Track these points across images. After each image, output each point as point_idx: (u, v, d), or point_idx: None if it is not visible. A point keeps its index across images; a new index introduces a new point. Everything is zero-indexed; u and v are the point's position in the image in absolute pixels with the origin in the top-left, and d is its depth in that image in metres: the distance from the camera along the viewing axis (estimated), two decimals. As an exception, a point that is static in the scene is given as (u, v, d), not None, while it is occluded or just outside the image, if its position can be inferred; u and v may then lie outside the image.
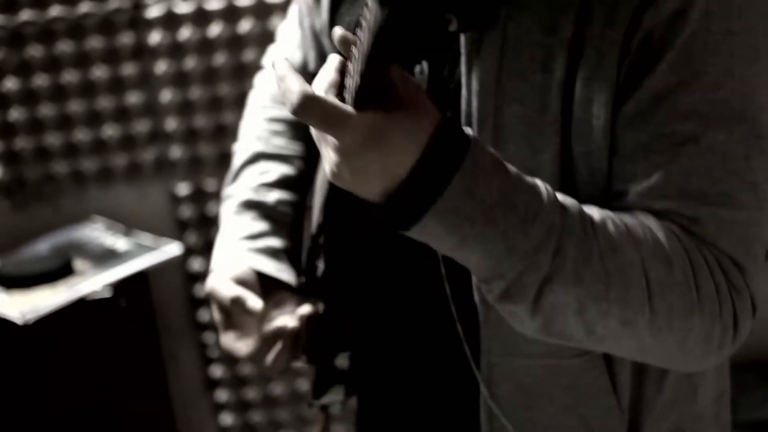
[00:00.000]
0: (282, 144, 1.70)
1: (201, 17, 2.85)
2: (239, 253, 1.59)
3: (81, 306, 2.51)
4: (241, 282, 1.55)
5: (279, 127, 1.72)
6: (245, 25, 2.86)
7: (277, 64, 1.11)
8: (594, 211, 1.19)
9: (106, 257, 2.70)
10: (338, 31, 1.16)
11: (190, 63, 2.88)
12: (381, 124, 1.06)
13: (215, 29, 2.86)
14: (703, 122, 1.20)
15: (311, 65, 1.69)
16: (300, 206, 1.67)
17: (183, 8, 2.84)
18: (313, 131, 1.12)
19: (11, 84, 2.86)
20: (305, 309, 1.54)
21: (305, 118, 1.06)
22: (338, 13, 1.51)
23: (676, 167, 1.21)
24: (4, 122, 2.89)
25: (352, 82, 1.08)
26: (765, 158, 1.23)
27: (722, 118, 1.20)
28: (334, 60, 1.15)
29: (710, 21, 1.19)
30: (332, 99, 1.07)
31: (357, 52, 1.05)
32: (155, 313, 2.75)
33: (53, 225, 2.90)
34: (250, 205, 1.64)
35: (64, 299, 2.49)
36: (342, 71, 1.13)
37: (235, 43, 2.87)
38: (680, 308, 1.19)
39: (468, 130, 1.11)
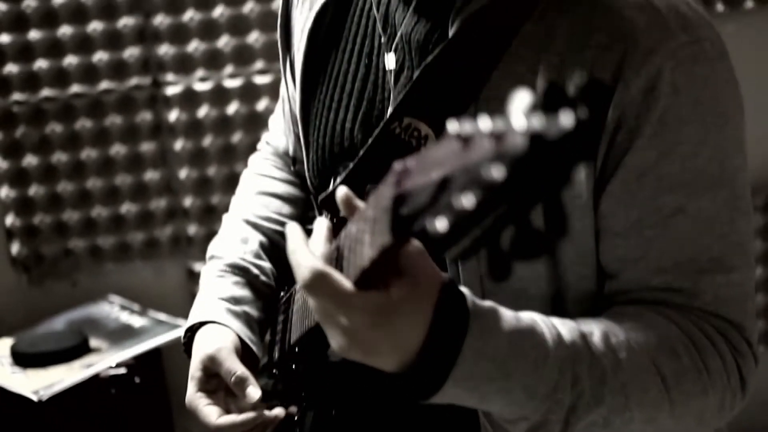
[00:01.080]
0: (269, 216, 1.73)
1: (219, 95, 2.88)
2: (219, 314, 1.60)
3: (95, 382, 2.51)
4: (229, 349, 1.55)
5: (268, 200, 1.75)
6: (262, 104, 2.88)
7: (290, 235, 1.10)
8: (593, 327, 1.21)
9: (121, 334, 2.70)
10: (342, 190, 1.11)
11: (208, 140, 2.90)
12: (388, 303, 1.03)
13: (233, 107, 2.88)
14: (687, 191, 1.24)
15: (291, 150, 1.73)
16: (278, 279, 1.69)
17: (201, 86, 2.87)
18: (316, 305, 1.08)
19: (31, 159, 2.89)
20: (279, 412, 1.53)
21: (315, 295, 1.05)
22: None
23: (668, 239, 1.26)
24: (24, 197, 2.91)
25: (349, 252, 1.05)
26: (745, 217, 1.29)
27: (704, 184, 1.25)
28: (322, 228, 1.14)
29: (679, 94, 1.22)
30: (341, 278, 1.04)
31: (362, 230, 1.02)
32: (169, 391, 2.75)
33: (70, 301, 2.91)
34: (234, 269, 1.66)
35: (79, 377, 2.48)
36: (331, 237, 1.13)
37: (252, 121, 2.90)
38: (695, 391, 1.23)
39: (464, 290, 1.10)
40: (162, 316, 2.76)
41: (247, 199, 1.79)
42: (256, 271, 1.66)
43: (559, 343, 1.15)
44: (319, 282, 1.03)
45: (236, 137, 2.91)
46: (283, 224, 1.74)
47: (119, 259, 2.98)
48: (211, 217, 2.96)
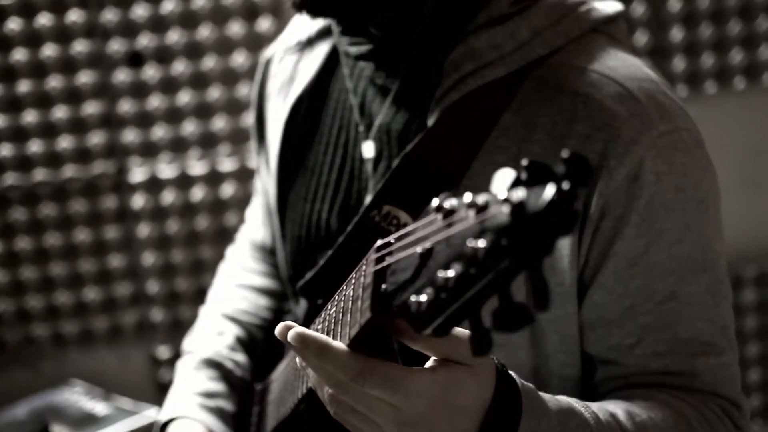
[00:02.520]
0: (245, 308, 1.73)
1: (184, 181, 2.89)
2: (191, 408, 1.59)
3: (57, 470, 2.48)
4: None
5: (245, 293, 1.75)
6: (227, 190, 2.89)
7: (306, 337, 1.04)
8: (614, 407, 1.23)
9: (84, 422, 2.67)
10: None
11: (173, 227, 2.90)
12: (449, 385, 1.02)
13: (198, 193, 2.89)
14: (676, 277, 1.27)
15: (268, 242, 1.73)
16: (251, 372, 1.68)
17: (166, 173, 2.88)
18: (362, 397, 1.03)
19: (-6, 247, 2.88)
20: None
21: (367, 386, 1.01)
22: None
23: (662, 325, 1.28)
24: (-14, 285, 2.90)
25: (328, 333, 1.04)
26: (726, 300, 1.32)
27: (690, 270, 1.28)
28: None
29: (662, 182, 1.25)
30: (388, 365, 1.01)
31: (343, 310, 1.00)
32: (133, 479, 2.71)
33: (32, 388, 2.87)
34: (209, 364, 1.65)
35: (41, 465, 2.45)
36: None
37: (217, 207, 2.90)
38: None
39: (513, 374, 1.10)
40: (126, 404, 2.73)
41: (224, 291, 1.79)
42: (230, 365, 1.66)
43: (597, 421, 1.17)
44: (369, 371, 1.00)
45: (201, 223, 2.91)
46: (260, 317, 1.74)
47: (83, 345, 2.96)
48: (175, 303, 2.95)
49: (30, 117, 2.82)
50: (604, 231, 1.25)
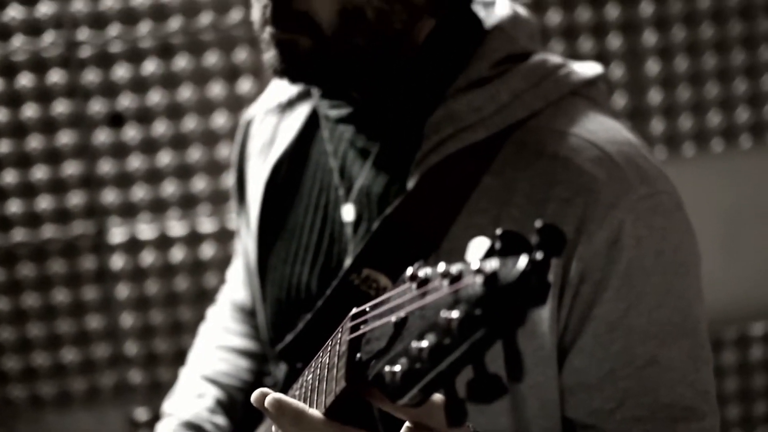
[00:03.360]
0: (226, 370, 1.72)
1: (163, 242, 2.88)
2: None
3: None
4: None
5: (225, 354, 1.75)
6: (207, 250, 2.89)
7: (278, 405, 1.03)
8: None
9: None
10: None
11: (152, 287, 2.89)
12: None
13: (177, 254, 2.89)
14: (657, 342, 1.26)
15: (248, 302, 1.73)
16: None
17: (146, 233, 2.87)
18: None
19: (-29, 308, 2.86)
20: None
21: None
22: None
23: (643, 389, 1.27)
24: (-37, 346, 2.88)
25: (305, 400, 1.04)
26: (707, 365, 1.32)
27: (671, 334, 1.28)
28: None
29: (641, 245, 1.25)
30: None
31: (318, 377, 1.00)
32: None
33: (8, 450, 2.85)
34: (189, 427, 1.64)
35: None
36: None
37: (196, 268, 2.89)
38: None
39: None
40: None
41: (205, 353, 1.78)
42: (210, 427, 1.65)
43: None
44: None
45: (181, 284, 2.90)
46: (240, 379, 1.73)
47: (60, 406, 2.93)
48: (154, 364, 2.93)
49: (9, 177, 2.82)
50: (583, 295, 1.25)
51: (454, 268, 0.81)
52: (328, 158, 1.49)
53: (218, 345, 1.78)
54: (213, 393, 1.69)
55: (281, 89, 1.62)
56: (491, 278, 0.77)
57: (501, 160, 1.31)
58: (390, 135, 1.39)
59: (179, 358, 2.90)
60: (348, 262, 1.39)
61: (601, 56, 2.86)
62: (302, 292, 1.47)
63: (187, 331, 2.90)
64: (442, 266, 0.83)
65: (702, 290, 1.33)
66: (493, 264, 0.77)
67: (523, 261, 0.76)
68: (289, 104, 1.59)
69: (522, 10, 1.44)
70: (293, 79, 1.40)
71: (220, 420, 1.67)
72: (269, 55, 1.37)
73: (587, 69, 1.41)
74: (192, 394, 1.69)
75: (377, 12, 1.33)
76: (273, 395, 1.03)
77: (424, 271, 0.87)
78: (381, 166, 1.40)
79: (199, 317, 2.85)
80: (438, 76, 1.36)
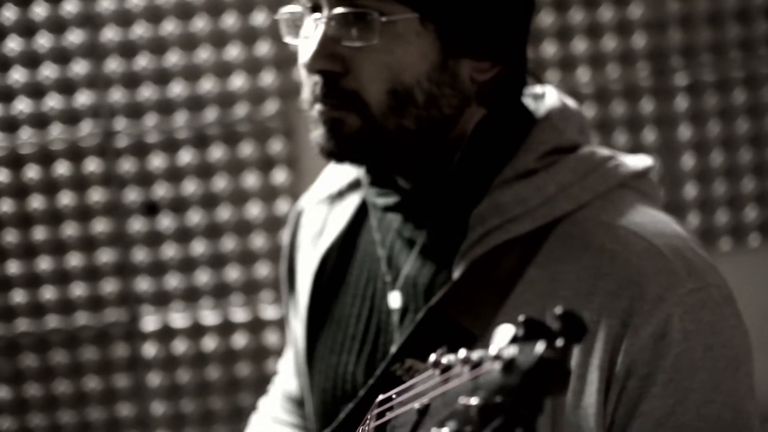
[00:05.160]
0: None
1: (196, 331, 2.88)
2: None
3: None
4: None
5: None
6: (240, 340, 2.88)
7: None
8: None
9: None
10: None
11: (184, 376, 2.88)
12: None
13: (210, 343, 2.88)
14: None
15: (298, 392, 1.72)
16: None
17: (178, 322, 2.87)
18: None
19: (4, 393, 2.86)
20: None
21: None
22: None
23: None
24: (-7, 433, 2.87)
25: None
26: None
27: (719, 431, 1.23)
28: None
29: (689, 340, 1.24)
30: None
31: None
32: None
33: None
34: None
35: None
36: None
37: (228, 357, 2.89)
38: None
39: None
40: None
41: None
42: None
43: None
44: None
45: (213, 373, 2.89)
46: None
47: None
48: (184, 453, 2.92)
49: (44, 264, 2.83)
50: (630, 390, 1.24)
51: (475, 355, 0.82)
52: (375, 247, 1.49)
53: (275, 417, 1.77)
54: None
55: (332, 180, 1.63)
56: (509, 364, 0.77)
57: (546, 252, 1.30)
58: (436, 225, 1.39)
59: (210, 447, 2.89)
60: (393, 351, 1.38)
61: (636, 149, 2.86)
62: (348, 383, 1.46)
63: (218, 420, 2.89)
64: (462, 352, 0.84)
65: (754, 386, 1.30)
66: (511, 350, 0.77)
67: (540, 347, 0.76)
68: (339, 195, 1.60)
69: (571, 102, 1.44)
70: (340, 159, 1.40)
71: None
72: (317, 134, 1.38)
73: (636, 161, 1.41)
74: None
75: (427, 95, 1.34)
76: None
77: (447, 358, 0.87)
78: (427, 256, 1.40)
79: (232, 407, 2.85)
80: (485, 166, 1.37)
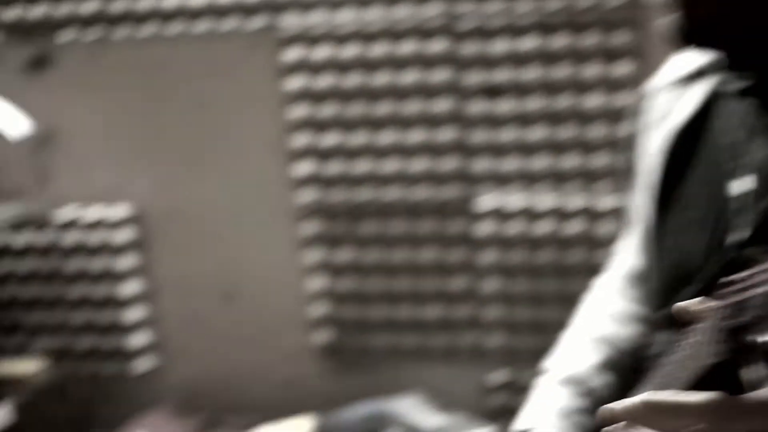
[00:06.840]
0: (612, 334, 1.72)
1: (530, 214, 2.97)
2: (549, 422, 1.62)
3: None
4: None
5: (612, 319, 1.74)
6: (574, 226, 2.94)
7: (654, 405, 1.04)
8: None
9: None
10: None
11: (516, 257, 3.00)
12: None
13: (543, 227, 2.96)
14: None
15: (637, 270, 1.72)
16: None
17: (513, 204, 2.96)
18: None
19: (346, 255, 3.05)
20: None
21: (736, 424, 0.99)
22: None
23: None
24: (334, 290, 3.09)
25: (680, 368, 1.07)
26: None
27: None
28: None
29: None
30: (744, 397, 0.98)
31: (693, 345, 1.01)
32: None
33: (368, 392, 3.03)
34: (571, 381, 1.66)
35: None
36: None
37: (560, 242, 2.97)
38: None
39: None
40: (460, 421, 2.82)
41: (589, 317, 1.78)
42: (593, 383, 1.66)
43: None
44: (734, 411, 0.98)
45: (544, 257, 2.99)
46: (626, 343, 1.73)
47: (418, 360, 3.10)
48: (513, 330, 3.04)
49: (415, 136, 2.97)
50: None
51: None
52: (722, 134, 1.47)
53: (603, 310, 1.77)
54: (598, 353, 1.70)
55: (679, 65, 1.61)
56: None
57: None
58: None
59: (538, 327, 2.98)
60: (737, 237, 1.37)
61: None
62: (690, 264, 1.47)
63: (549, 302, 2.98)
64: None
65: None
66: None
67: None
68: (687, 80, 1.58)
69: None
70: (696, 43, 1.38)
71: (606, 379, 1.67)
72: (670, 20, 1.36)
73: None
74: (576, 353, 1.71)
75: None
76: (637, 398, 1.06)
77: None
78: None
79: (561, 291, 2.91)
80: None
